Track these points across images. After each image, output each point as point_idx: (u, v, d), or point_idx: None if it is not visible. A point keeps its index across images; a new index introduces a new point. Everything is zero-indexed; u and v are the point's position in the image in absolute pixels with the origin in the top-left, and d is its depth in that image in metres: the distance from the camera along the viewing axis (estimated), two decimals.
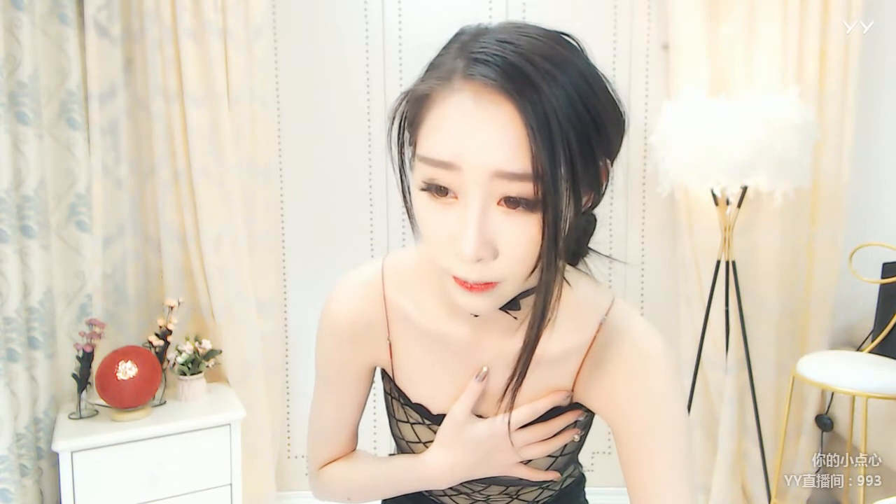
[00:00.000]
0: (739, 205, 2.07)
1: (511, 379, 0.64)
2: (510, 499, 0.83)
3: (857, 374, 1.81)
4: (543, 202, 0.54)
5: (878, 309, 2.07)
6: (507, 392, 0.64)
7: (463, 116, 0.54)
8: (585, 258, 0.74)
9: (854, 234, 2.23)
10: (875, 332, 2.05)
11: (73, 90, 1.95)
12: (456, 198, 0.57)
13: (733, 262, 2.12)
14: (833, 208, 2.21)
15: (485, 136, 0.53)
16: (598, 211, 0.67)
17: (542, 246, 0.55)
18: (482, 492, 0.82)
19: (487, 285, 0.58)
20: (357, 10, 2.30)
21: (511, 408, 0.68)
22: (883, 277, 2.05)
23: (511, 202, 0.55)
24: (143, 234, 2.17)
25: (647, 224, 2.41)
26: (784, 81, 2.12)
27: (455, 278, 0.59)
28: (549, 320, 0.59)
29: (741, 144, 1.85)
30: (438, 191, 0.57)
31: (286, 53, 2.30)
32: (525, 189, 0.54)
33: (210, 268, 2.10)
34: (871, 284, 2.06)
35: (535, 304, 0.59)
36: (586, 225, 0.71)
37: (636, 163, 2.33)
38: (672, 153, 1.98)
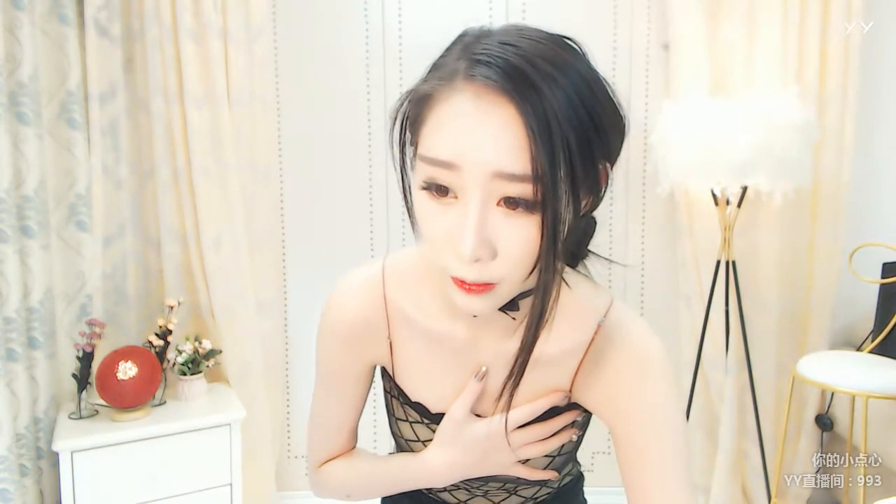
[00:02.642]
0: (739, 205, 2.07)
1: (508, 379, 0.64)
2: (508, 494, 0.83)
3: (857, 374, 1.81)
4: (543, 203, 0.54)
5: (878, 309, 2.07)
6: (505, 392, 0.65)
7: (464, 117, 0.55)
8: (585, 260, 0.74)
9: (854, 234, 2.23)
10: (875, 332, 2.05)
11: (73, 90, 1.95)
12: (456, 198, 0.57)
13: (733, 262, 2.12)
14: (833, 208, 2.21)
15: (485, 137, 0.54)
16: (598, 211, 0.68)
17: (540, 247, 0.56)
18: (481, 487, 0.82)
19: (486, 286, 0.58)
20: (357, 10, 2.31)
21: (509, 407, 0.69)
22: (883, 277, 2.05)
23: (510, 203, 0.55)
24: (143, 234, 2.17)
25: (647, 224, 2.41)
26: (784, 81, 2.12)
27: (454, 278, 0.59)
28: (547, 321, 0.59)
29: (741, 144, 1.85)
30: (439, 190, 0.57)
31: (286, 53, 2.30)
32: (524, 190, 0.54)
33: (210, 268, 2.10)
34: (871, 284, 2.06)
35: (532, 304, 0.59)
36: (586, 227, 0.71)
37: (636, 163, 2.33)
38: (672, 153, 1.98)
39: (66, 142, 1.96)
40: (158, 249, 2.15)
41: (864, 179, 2.33)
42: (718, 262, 2.13)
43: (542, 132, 0.52)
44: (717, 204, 2.10)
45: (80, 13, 1.97)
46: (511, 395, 0.65)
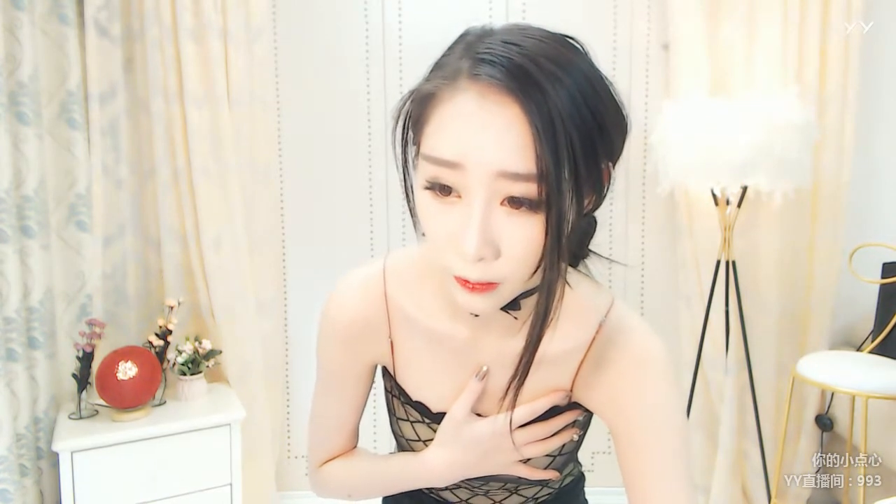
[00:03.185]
0: (739, 205, 2.07)
1: (513, 378, 0.64)
2: (510, 493, 0.83)
3: (857, 374, 1.81)
4: (547, 203, 0.54)
5: (878, 309, 2.07)
6: (510, 391, 0.64)
7: (468, 116, 0.55)
8: (585, 260, 0.75)
9: (854, 234, 2.23)
10: (875, 332, 2.05)
11: (73, 90, 1.95)
12: (459, 197, 0.57)
13: (733, 262, 2.12)
14: (833, 208, 2.21)
15: (489, 136, 0.54)
16: (598, 211, 0.68)
17: (544, 246, 0.56)
18: (482, 487, 0.82)
19: (489, 285, 0.58)
20: (357, 10, 2.31)
21: (513, 406, 0.68)
22: (883, 277, 2.05)
23: (514, 202, 0.55)
24: (143, 234, 2.17)
25: (647, 224, 2.41)
26: (784, 81, 2.12)
27: (456, 278, 0.59)
28: (552, 320, 0.59)
29: (741, 144, 1.85)
30: (442, 190, 0.57)
31: (286, 53, 2.30)
32: (529, 189, 0.54)
33: (210, 268, 2.10)
34: (871, 284, 2.06)
35: (537, 303, 0.59)
36: (587, 227, 0.71)
37: (636, 163, 2.33)
38: (672, 153, 1.98)
39: (66, 142, 1.96)
40: (158, 249, 2.15)
41: (864, 179, 2.33)
42: (718, 262, 2.13)
43: (546, 131, 0.52)
44: (717, 204, 2.10)
45: (80, 13, 1.97)
46: (515, 395, 0.65)
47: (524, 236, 0.56)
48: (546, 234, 0.55)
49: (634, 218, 2.41)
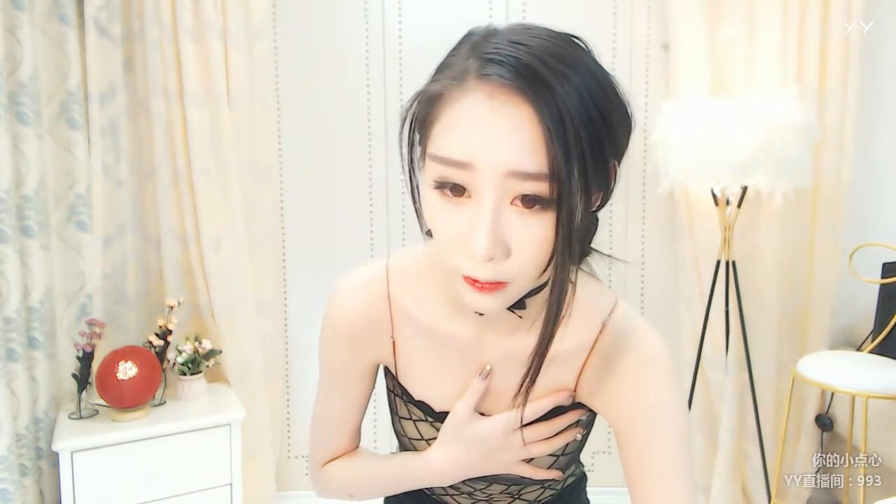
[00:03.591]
0: (739, 205, 2.07)
1: (525, 376, 0.64)
2: (512, 498, 0.83)
3: (857, 374, 1.81)
4: (558, 201, 0.54)
5: (878, 309, 2.07)
6: (521, 390, 0.64)
7: (478, 116, 0.55)
8: (588, 258, 0.75)
9: (854, 234, 2.23)
10: (875, 332, 2.05)
11: (73, 90, 1.95)
12: (469, 196, 0.57)
13: (733, 262, 2.12)
14: (833, 208, 2.22)
15: (500, 136, 0.54)
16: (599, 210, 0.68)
17: (555, 244, 0.56)
18: (484, 490, 0.82)
19: (498, 285, 0.58)
20: (357, 10, 2.31)
21: (524, 405, 0.68)
22: (883, 277, 2.05)
23: (526, 201, 0.55)
24: (143, 234, 2.17)
25: (647, 224, 2.41)
26: (784, 81, 2.12)
27: (465, 277, 0.59)
28: (563, 318, 0.59)
29: (741, 144, 1.85)
30: (453, 189, 0.57)
31: (286, 53, 2.30)
32: (539, 188, 0.54)
33: (210, 268, 2.10)
34: (871, 284, 2.06)
35: (549, 301, 0.59)
36: (589, 225, 0.71)
37: (636, 163, 2.33)
38: (672, 153, 1.98)
39: (66, 142, 1.96)
40: (158, 249, 2.14)
41: (864, 179, 2.33)
42: (718, 262, 2.13)
43: (557, 130, 0.52)
44: (717, 204, 2.10)
45: (80, 13, 1.97)
46: (527, 394, 0.65)
47: (534, 235, 0.56)
48: (557, 232, 0.55)
49: (634, 218, 2.41)
